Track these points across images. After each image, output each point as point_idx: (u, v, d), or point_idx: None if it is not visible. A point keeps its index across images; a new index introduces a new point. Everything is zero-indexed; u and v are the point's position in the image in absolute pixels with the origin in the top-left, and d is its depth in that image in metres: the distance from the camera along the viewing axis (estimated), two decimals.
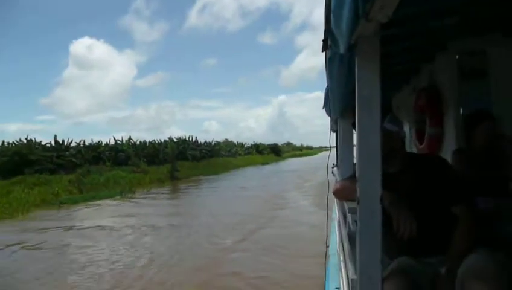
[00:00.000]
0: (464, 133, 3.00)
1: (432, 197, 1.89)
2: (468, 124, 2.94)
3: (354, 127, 2.11)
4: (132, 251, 9.38)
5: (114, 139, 33.12)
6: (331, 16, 1.33)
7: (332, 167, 7.30)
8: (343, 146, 3.27)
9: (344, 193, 1.89)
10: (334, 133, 5.74)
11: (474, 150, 2.89)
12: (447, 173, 1.95)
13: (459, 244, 1.75)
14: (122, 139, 33.64)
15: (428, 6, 2.29)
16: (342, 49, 1.42)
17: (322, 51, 1.79)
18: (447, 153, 3.13)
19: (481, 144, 2.85)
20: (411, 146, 4.56)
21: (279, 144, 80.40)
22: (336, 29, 1.35)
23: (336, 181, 3.17)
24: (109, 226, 12.50)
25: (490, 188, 2.76)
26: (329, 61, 1.83)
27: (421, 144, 3.96)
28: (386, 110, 2.04)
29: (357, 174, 1.44)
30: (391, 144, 1.96)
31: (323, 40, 1.69)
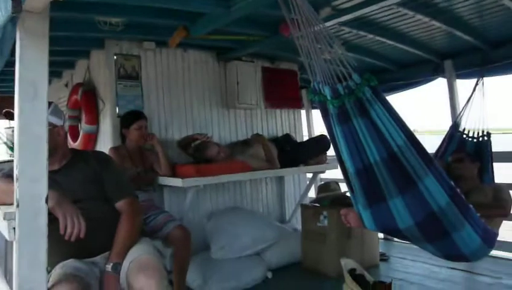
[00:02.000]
0: (120, 131, 3.15)
1: (98, 193, 1.85)
2: (123, 123, 3.11)
3: (8, 117, 1.78)
4: None
5: None
6: None
7: None
8: None
9: None
10: None
11: (129, 148, 3.07)
12: (111, 169, 1.97)
13: (125, 238, 1.79)
14: None
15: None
16: (1, 21, 1.15)
17: None
18: (103, 150, 3.16)
19: (134, 142, 3.07)
20: None
21: None
22: None
23: None
24: None
25: (143, 182, 3.01)
26: None
27: (74, 140, 3.83)
28: None
29: (15, 172, 1.21)
30: (55, 139, 1.79)
31: None
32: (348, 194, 3.53)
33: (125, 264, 1.71)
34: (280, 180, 4.27)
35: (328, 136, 1.85)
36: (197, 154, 3.36)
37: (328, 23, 2.68)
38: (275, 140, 3.94)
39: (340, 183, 3.84)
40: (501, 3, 2.75)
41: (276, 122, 4.35)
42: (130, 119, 3.08)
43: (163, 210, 2.97)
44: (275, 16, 2.99)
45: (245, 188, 4.02)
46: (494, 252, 2.05)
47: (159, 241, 2.10)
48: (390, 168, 1.64)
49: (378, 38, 3.45)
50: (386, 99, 1.66)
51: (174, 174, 3.17)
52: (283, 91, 4.36)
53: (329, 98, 1.65)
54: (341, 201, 3.50)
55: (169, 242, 2.57)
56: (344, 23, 3.09)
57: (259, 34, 3.42)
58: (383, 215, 1.72)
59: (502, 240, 2.87)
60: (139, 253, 1.74)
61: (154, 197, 3.11)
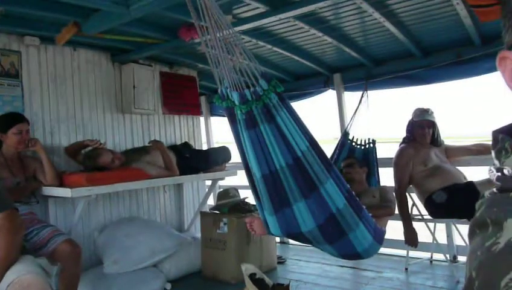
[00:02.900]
0: None
1: None
2: (0, 127, 2.74)
3: None
4: None
5: None
6: None
7: None
8: None
9: None
10: None
11: (6, 154, 2.72)
12: None
13: (1, 258, 1.55)
14: None
15: None
16: None
17: None
18: None
19: (13, 148, 2.72)
20: None
21: None
22: None
23: None
24: None
25: (23, 193, 2.68)
26: None
27: None
28: None
29: None
30: None
31: None
32: (247, 200, 3.61)
33: (2, 286, 1.48)
34: (179, 187, 4.16)
35: (235, 142, 1.84)
36: (88, 161, 3.09)
37: (229, 31, 2.70)
38: (174, 147, 3.83)
39: (239, 190, 3.87)
40: (382, 25, 3.07)
41: (174, 129, 4.24)
42: (7, 122, 2.73)
43: (48, 224, 2.66)
44: (175, 19, 2.92)
45: (142, 196, 3.82)
46: None
47: (43, 258, 1.87)
48: (295, 173, 1.70)
49: (275, 49, 3.59)
50: (291, 105, 1.72)
51: (61, 183, 2.88)
52: (182, 97, 4.28)
53: (237, 103, 1.65)
54: (240, 207, 3.54)
55: (55, 259, 2.31)
56: (244, 32, 3.15)
57: (157, 37, 3.31)
58: (288, 220, 1.77)
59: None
60: (20, 273, 1.53)
61: (36, 209, 2.78)
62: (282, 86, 1.75)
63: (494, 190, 0.44)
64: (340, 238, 1.83)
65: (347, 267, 3.57)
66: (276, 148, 1.67)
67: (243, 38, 3.34)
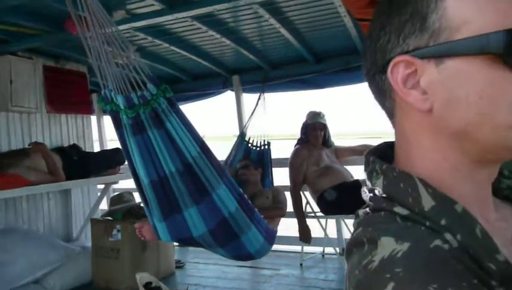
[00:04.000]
0: None
1: None
2: None
3: None
4: None
5: None
6: None
7: None
8: None
9: None
10: None
11: None
12: None
13: None
14: None
15: None
16: None
17: None
18: None
19: None
20: None
21: None
22: None
23: None
24: None
25: None
26: None
27: None
28: None
29: None
30: None
31: None
32: (142, 205, 3.45)
33: None
34: (66, 193, 3.81)
35: (121, 147, 1.73)
36: None
37: (121, 27, 2.53)
38: (60, 150, 3.50)
39: (134, 194, 3.69)
40: (278, 31, 3.16)
41: (61, 129, 3.88)
42: None
43: None
44: (60, 9, 2.65)
45: (21, 205, 3.42)
46: (273, 247, 2.31)
47: None
48: (186, 179, 1.65)
49: (173, 48, 3.48)
50: (181, 110, 1.66)
51: None
52: (70, 94, 3.93)
53: (122, 107, 1.55)
54: (135, 212, 3.37)
55: None
56: (139, 29, 3.00)
57: (39, 28, 2.98)
58: (178, 226, 1.72)
59: (278, 235, 3.29)
60: None
61: None
62: (179, 86, 1.69)
63: (368, 209, 0.46)
64: (232, 241, 1.84)
65: (246, 267, 3.62)
66: (166, 154, 1.60)
67: (138, 35, 3.19)
